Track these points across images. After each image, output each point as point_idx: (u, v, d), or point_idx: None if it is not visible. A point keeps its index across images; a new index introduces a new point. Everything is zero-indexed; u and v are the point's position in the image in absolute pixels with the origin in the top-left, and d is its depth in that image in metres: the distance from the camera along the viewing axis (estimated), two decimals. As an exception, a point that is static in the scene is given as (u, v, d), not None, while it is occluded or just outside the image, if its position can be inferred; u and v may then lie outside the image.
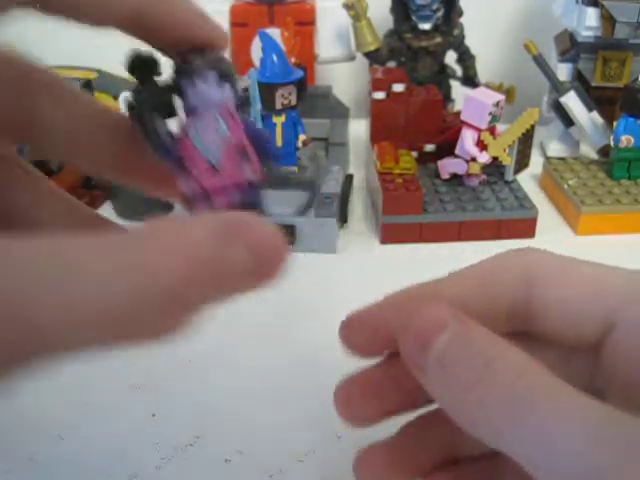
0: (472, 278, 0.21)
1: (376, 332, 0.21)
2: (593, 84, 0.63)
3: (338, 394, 0.21)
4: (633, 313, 0.19)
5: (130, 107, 0.18)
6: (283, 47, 0.52)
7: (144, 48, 0.18)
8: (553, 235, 0.54)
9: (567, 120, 0.63)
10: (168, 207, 0.56)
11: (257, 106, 0.50)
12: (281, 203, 0.51)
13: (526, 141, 0.55)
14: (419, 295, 0.21)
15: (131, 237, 0.14)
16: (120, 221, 0.57)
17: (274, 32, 0.55)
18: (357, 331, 0.21)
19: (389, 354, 0.21)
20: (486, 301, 0.20)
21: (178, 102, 0.18)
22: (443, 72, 0.69)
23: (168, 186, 0.19)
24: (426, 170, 0.58)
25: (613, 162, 0.57)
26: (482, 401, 0.16)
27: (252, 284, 0.16)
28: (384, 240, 0.53)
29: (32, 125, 0.19)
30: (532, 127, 0.53)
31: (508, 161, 0.54)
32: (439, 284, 0.21)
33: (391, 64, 0.68)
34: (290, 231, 0.50)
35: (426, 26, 0.65)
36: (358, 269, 0.50)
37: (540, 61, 0.61)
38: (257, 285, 0.16)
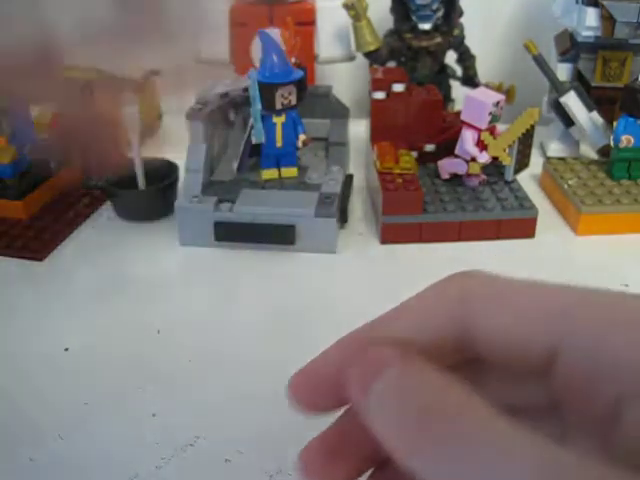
0: (411, 313, 0.21)
1: (323, 386, 0.20)
2: (593, 84, 0.63)
3: (301, 465, 0.20)
4: (575, 338, 0.18)
5: None
6: (283, 47, 0.52)
7: None
8: (553, 235, 0.54)
9: (567, 120, 0.63)
10: (168, 209, 0.56)
11: (257, 106, 0.50)
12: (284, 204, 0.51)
13: (526, 141, 0.55)
14: (363, 337, 0.20)
15: None
16: (120, 221, 0.57)
17: (274, 32, 0.55)
18: (304, 389, 0.21)
19: (346, 410, 0.21)
20: (429, 335, 0.20)
21: None
22: (443, 72, 0.69)
23: None
24: (426, 170, 0.58)
25: (613, 162, 0.57)
26: (420, 446, 0.16)
27: None
28: (384, 240, 0.53)
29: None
30: (532, 127, 0.53)
31: (508, 161, 0.54)
32: (381, 322, 0.21)
33: (391, 64, 0.68)
34: (290, 231, 0.50)
35: (426, 26, 0.65)
36: (358, 269, 0.50)
37: (540, 61, 0.61)
38: None
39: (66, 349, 0.41)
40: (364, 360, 0.18)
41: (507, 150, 0.53)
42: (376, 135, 0.58)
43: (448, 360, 0.20)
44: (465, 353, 0.20)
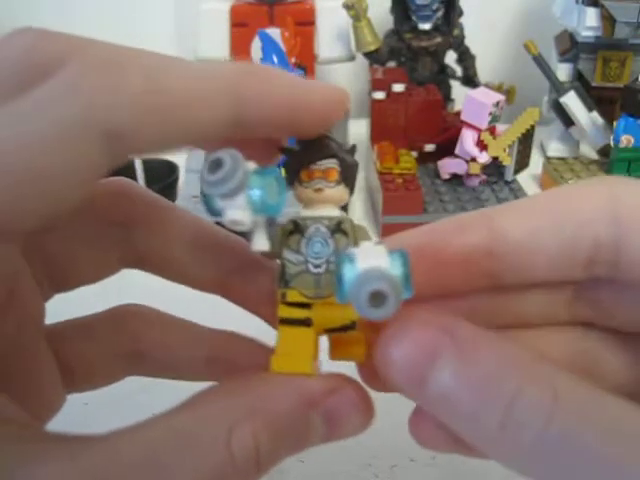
0: (543, 213, 0.18)
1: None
2: (593, 84, 0.63)
3: (411, 424, 0.19)
4: None
5: None
6: (283, 47, 0.52)
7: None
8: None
9: (567, 120, 0.63)
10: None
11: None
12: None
13: (526, 141, 0.55)
14: (471, 232, 0.18)
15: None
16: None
17: (274, 32, 0.55)
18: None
19: None
20: (561, 243, 0.17)
21: None
22: (443, 72, 0.69)
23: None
24: (426, 170, 0.58)
25: (613, 162, 0.57)
26: (510, 454, 0.15)
27: (322, 442, 0.18)
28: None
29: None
30: (532, 127, 0.53)
31: (508, 161, 0.54)
32: (495, 220, 0.18)
33: (391, 64, 0.68)
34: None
35: (426, 26, 0.65)
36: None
37: (540, 61, 0.61)
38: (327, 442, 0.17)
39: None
40: (411, 346, 0.16)
41: (507, 150, 0.53)
42: (376, 135, 0.58)
43: (573, 277, 0.18)
44: (599, 271, 0.18)
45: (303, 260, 0.19)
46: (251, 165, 0.17)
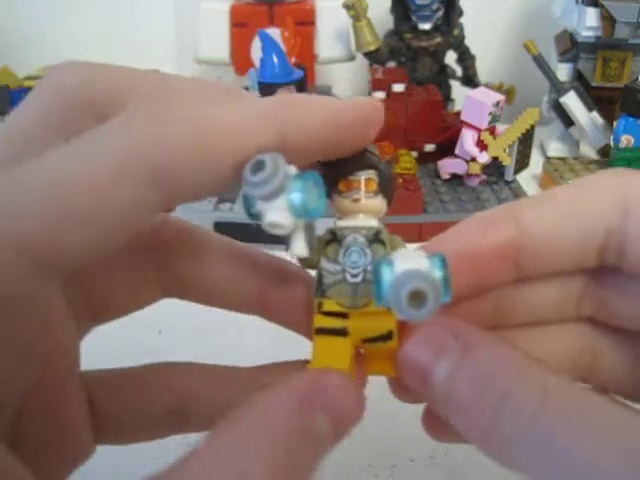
0: (559, 205, 0.19)
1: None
2: (593, 84, 0.63)
3: (424, 420, 0.20)
4: None
5: None
6: (283, 47, 0.52)
7: None
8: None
9: (567, 120, 0.63)
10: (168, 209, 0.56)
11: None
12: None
13: (526, 141, 0.55)
14: (494, 227, 0.20)
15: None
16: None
17: (274, 32, 0.55)
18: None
19: None
20: (578, 233, 0.18)
21: None
22: (443, 72, 0.69)
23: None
24: (426, 170, 0.58)
25: (613, 162, 0.57)
26: (499, 450, 0.16)
27: (333, 444, 0.16)
28: (384, 240, 0.53)
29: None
30: (532, 127, 0.53)
31: (508, 161, 0.54)
32: (519, 213, 0.20)
33: (391, 64, 0.68)
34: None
35: (426, 26, 0.65)
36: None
37: (540, 61, 0.61)
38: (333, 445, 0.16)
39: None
40: (418, 346, 0.18)
41: (507, 150, 0.53)
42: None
43: (587, 265, 0.18)
44: (609, 259, 0.19)
45: (340, 269, 0.19)
46: (292, 169, 0.17)
